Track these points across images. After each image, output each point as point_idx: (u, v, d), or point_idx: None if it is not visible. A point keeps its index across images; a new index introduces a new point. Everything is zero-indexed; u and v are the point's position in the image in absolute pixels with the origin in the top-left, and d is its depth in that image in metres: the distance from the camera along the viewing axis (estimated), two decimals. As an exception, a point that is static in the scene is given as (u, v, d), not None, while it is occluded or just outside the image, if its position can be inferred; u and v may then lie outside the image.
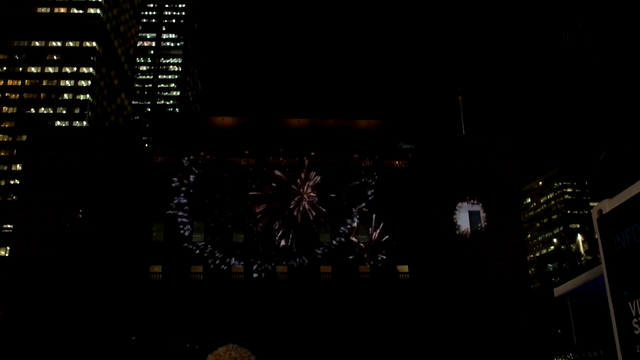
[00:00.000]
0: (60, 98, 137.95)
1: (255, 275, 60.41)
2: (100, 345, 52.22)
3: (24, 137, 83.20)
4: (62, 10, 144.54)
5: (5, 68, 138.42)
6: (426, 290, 58.73)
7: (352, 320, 57.33)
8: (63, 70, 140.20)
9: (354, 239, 62.66)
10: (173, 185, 61.65)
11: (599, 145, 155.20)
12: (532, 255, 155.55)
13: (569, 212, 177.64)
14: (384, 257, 62.17)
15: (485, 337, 55.51)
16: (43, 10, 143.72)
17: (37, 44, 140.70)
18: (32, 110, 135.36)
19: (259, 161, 63.70)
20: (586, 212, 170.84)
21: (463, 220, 61.07)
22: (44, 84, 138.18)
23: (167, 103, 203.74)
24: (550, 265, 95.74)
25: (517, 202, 67.17)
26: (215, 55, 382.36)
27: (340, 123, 70.47)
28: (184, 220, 61.05)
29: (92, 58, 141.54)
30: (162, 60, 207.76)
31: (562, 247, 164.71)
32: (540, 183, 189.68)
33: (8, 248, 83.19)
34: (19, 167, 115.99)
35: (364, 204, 63.50)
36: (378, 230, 62.99)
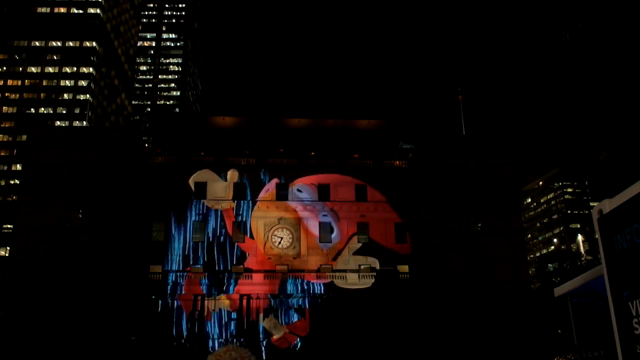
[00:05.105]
0: (60, 98, 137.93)
1: None
2: (100, 345, 52.18)
3: (24, 137, 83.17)
4: (62, 10, 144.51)
5: (5, 68, 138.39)
6: (426, 290, 58.67)
7: (352, 319, 57.25)
8: (63, 70, 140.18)
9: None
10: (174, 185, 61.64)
11: (599, 145, 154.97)
12: (532, 255, 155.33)
13: (569, 212, 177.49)
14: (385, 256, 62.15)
15: (486, 337, 55.46)
16: (43, 10, 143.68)
17: (37, 44, 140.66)
18: (32, 110, 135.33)
19: (259, 161, 63.71)
20: (586, 212, 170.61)
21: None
22: (44, 84, 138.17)
23: (167, 103, 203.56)
24: (550, 265, 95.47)
25: (517, 202, 67.06)
26: (215, 55, 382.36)
27: (340, 123, 70.35)
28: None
29: (92, 58, 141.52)
30: (162, 60, 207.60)
31: (562, 247, 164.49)
32: (541, 183, 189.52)
33: (8, 248, 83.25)
34: (19, 167, 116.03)
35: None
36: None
